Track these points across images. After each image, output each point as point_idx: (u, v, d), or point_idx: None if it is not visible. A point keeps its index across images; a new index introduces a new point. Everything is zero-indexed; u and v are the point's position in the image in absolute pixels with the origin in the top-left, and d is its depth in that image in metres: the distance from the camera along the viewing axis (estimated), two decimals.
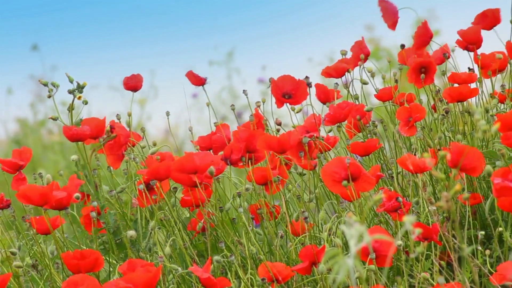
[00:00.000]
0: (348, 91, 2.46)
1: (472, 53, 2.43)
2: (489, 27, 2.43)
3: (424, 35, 2.37)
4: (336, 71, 2.47)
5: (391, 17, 2.39)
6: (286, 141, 2.15)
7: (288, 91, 2.33)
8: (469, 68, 2.41)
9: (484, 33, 2.44)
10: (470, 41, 2.41)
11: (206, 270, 1.88)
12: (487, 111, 2.29)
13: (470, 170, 1.93)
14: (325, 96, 2.42)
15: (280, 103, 2.34)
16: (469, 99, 2.34)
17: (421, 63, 2.33)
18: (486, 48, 2.44)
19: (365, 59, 2.46)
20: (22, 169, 2.28)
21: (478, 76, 2.40)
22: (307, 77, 2.31)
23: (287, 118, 2.44)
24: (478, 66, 2.40)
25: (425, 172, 2.05)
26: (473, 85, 2.35)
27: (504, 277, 1.79)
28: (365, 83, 2.45)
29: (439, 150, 2.27)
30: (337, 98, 2.41)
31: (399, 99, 2.39)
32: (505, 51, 2.42)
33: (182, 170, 2.10)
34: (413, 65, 2.33)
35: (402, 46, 2.45)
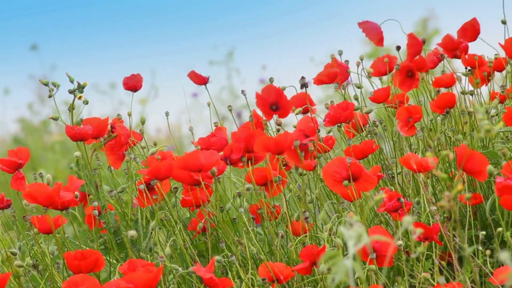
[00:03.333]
0: (344, 94, 2.45)
1: (467, 57, 2.44)
2: (473, 38, 2.45)
3: (415, 45, 2.39)
4: (329, 76, 2.45)
5: (374, 35, 2.40)
6: (283, 142, 2.14)
7: (274, 101, 2.30)
8: (466, 67, 2.41)
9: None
10: (449, 49, 2.43)
11: (209, 270, 1.88)
12: (486, 111, 2.30)
13: (476, 173, 1.94)
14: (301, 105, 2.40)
15: (268, 116, 2.31)
16: (471, 99, 2.35)
17: (408, 66, 2.35)
18: (480, 50, 2.45)
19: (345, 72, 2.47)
20: (20, 168, 2.28)
21: (478, 77, 2.40)
22: (303, 78, 2.29)
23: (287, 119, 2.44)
24: (474, 68, 2.41)
25: (425, 172, 2.05)
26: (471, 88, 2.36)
27: (501, 281, 1.80)
28: (359, 87, 2.44)
29: (439, 150, 2.27)
30: (312, 112, 2.39)
31: (394, 100, 2.39)
32: (498, 51, 2.44)
33: (186, 168, 2.10)
34: (399, 69, 2.35)
35: (398, 47, 2.45)
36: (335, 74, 2.44)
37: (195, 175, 2.10)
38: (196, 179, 2.10)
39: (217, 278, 1.88)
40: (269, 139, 2.14)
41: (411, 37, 2.37)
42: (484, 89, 2.45)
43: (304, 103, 2.35)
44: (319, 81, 2.45)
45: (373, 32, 2.40)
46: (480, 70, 2.41)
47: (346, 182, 1.94)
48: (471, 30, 2.44)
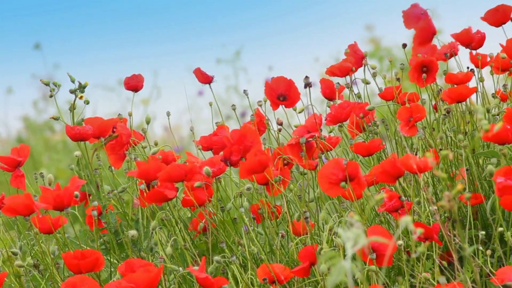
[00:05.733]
0: (352, 90, 2.45)
1: (474, 52, 2.43)
2: (498, 24, 2.43)
3: (426, 30, 2.35)
4: (341, 70, 2.46)
5: (414, 23, 2.38)
6: (265, 162, 2.12)
7: (282, 92, 2.32)
8: (468, 67, 2.40)
9: (492, 30, 2.44)
10: (463, 43, 2.41)
11: (201, 270, 1.88)
12: (488, 111, 2.29)
13: None
14: (330, 91, 2.41)
15: (275, 106, 2.34)
16: (472, 99, 2.34)
17: (422, 62, 2.32)
18: (494, 45, 2.44)
19: (361, 61, 2.46)
20: (20, 166, 2.28)
21: (480, 75, 2.40)
22: (306, 77, 2.30)
23: (290, 118, 2.44)
24: (477, 66, 2.40)
25: (426, 172, 2.05)
26: (474, 84, 2.34)
27: (503, 280, 1.79)
28: (367, 83, 2.44)
29: (440, 149, 2.26)
30: (339, 98, 2.41)
31: (401, 98, 2.38)
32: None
33: (170, 179, 2.10)
34: (414, 64, 2.32)
35: (404, 45, 2.44)
36: (347, 68, 2.44)
37: (169, 193, 2.10)
38: (169, 197, 2.10)
39: (213, 278, 1.88)
40: (251, 162, 2.11)
41: (426, 20, 2.35)
42: (488, 87, 2.45)
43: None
44: (331, 72, 2.47)
45: (414, 19, 2.37)
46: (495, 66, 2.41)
47: (343, 184, 1.93)
48: (501, 14, 2.42)
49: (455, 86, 2.32)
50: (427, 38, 2.37)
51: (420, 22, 2.36)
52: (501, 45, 2.40)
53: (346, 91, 2.48)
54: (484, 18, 2.43)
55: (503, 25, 2.44)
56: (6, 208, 2.01)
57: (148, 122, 2.42)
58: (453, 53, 2.41)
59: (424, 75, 2.31)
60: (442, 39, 2.44)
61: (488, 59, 2.40)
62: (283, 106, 2.34)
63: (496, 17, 2.42)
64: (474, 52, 2.42)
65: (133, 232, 2.12)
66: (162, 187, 2.11)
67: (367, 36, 6.73)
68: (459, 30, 2.43)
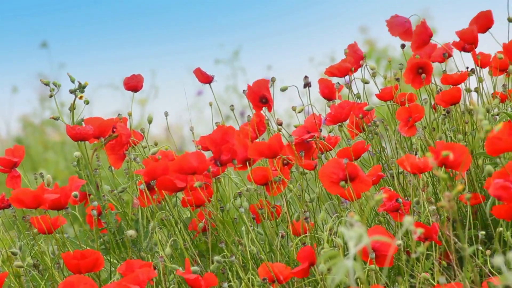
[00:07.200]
0: (351, 90, 2.45)
1: (470, 54, 2.43)
2: (484, 30, 2.43)
3: (423, 33, 2.36)
4: (340, 70, 2.47)
5: (399, 29, 2.39)
6: (276, 145, 2.13)
7: (264, 94, 2.33)
8: (467, 67, 2.41)
9: (480, 35, 2.44)
10: (467, 41, 2.41)
11: (188, 272, 1.88)
12: (488, 111, 2.29)
13: (455, 165, 1.92)
14: (329, 91, 2.42)
15: (257, 108, 2.35)
16: (472, 99, 2.34)
17: (418, 63, 2.33)
18: (483, 49, 2.44)
19: (359, 61, 2.46)
20: (16, 167, 2.27)
21: (480, 75, 2.40)
22: (306, 77, 2.30)
23: (292, 118, 2.44)
24: (478, 66, 2.40)
25: (426, 172, 2.05)
26: (473, 84, 2.35)
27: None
28: (366, 82, 2.44)
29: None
30: (338, 98, 2.41)
31: (399, 98, 2.38)
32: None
33: (180, 171, 2.10)
34: (410, 66, 2.33)
35: (403, 46, 2.44)
36: (347, 69, 2.45)
37: (179, 183, 2.10)
38: (179, 187, 2.10)
39: (202, 277, 1.89)
40: (262, 144, 2.13)
41: (421, 24, 2.35)
42: (489, 87, 2.44)
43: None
44: (330, 73, 2.47)
45: (398, 27, 2.39)
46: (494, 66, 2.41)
47: (343, 183, 1.94)
48: (484, 21, 2.42)
49: (451, 87, 2.32)
50: (424, 41, 2.38)
51: (416, 27, 2.37)
52: (503, 45, 2.40)
53: (344, 91, 2.49)
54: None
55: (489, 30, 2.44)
56: (13, 198, 2.01)
57: (150, 122, 2.42)
58: (448, 54, 2.42)
59: (423, 75, 2.32)
60: (437, 40, 2.44)
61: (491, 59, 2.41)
62: (266, 108, 2.35)
63: (479, 24, 2.43)
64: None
65: (131, 232, 2.12)
66: (160, 187, 2.12)
67: (362, 38, 6.75)
68: (455, 31, 2.43)
